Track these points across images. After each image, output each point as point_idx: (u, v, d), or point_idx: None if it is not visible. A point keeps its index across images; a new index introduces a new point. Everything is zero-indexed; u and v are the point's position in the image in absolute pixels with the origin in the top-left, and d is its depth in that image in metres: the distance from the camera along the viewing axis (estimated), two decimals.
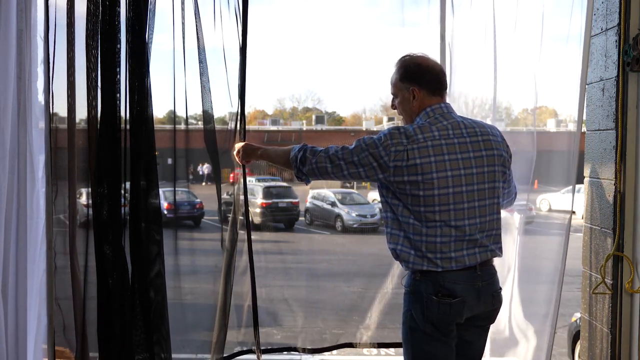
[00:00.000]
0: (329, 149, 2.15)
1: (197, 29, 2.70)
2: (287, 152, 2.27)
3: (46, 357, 2.71)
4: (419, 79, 2.15)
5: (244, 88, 2.77)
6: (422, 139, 2.03)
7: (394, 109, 2.26)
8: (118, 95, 2.50)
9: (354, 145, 2.10)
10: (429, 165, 2.01)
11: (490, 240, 2.12)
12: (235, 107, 2.83)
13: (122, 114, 2.52)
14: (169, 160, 2.84)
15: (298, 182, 2.30)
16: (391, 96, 2.26)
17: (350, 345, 3.41)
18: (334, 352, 3.44)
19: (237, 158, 2.62)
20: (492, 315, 2.19)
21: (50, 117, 2.62)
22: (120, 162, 2.53)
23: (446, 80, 2.23)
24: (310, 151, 2.18)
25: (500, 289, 2.19)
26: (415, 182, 2.01)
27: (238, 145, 2.60)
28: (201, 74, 2.74)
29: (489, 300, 2.12)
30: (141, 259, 2.56)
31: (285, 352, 3.53)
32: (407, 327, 2.12)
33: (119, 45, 2.50)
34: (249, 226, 2.90)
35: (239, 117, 2.80)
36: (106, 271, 2.53)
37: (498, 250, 2.16)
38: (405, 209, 2.07)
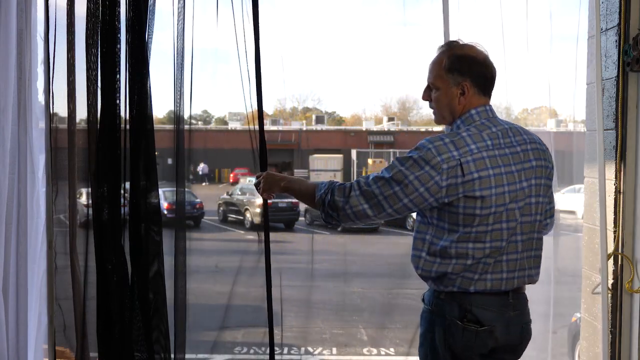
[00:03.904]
0: (359, 184, 1.80)
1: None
2: (311, 190, 1.93)
3: (46, 357, 2.71)
4: (473, 73, 1.84)
5: (261, 89, 2.54)
6: (476, 149, 1.74)
7: (425, 100, 1.94)
8: (118, 95, 2.50)
9: (390, 172, 1.76)
10: (487, 180, 1.72)
11: (531, 263, 1.87)
12: (234, 108, 2.81)
13: (122, 114, 2.52)
14: (169, 160, 2.84)
15: None
16: (424, 87, 1.94)
17: None
18: (334, 351, 3.44)
19: (258, 190, 2.18)
20: (518, 350, 1.90)
21: (50, 117, 2.62)
22: (120, 162, 2.53)
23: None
24: (338, 192, 1.82)
25: (531, 320, 1.92)
26: (472, 198, 1.72)
27: (259, 175, 2.14)
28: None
29: (518, 332, 1.86)
30: (141, 259, 2.56)
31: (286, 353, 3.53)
32: (426, 349, 1.88)
33: (119, 45, 2.50)
34: (268, 245, 2.71)
35: (253, 119, 2.62)
36: (106, 271, 2.53)
37: (535, 276, 1.91)
38: (450, 231, 1.78)
